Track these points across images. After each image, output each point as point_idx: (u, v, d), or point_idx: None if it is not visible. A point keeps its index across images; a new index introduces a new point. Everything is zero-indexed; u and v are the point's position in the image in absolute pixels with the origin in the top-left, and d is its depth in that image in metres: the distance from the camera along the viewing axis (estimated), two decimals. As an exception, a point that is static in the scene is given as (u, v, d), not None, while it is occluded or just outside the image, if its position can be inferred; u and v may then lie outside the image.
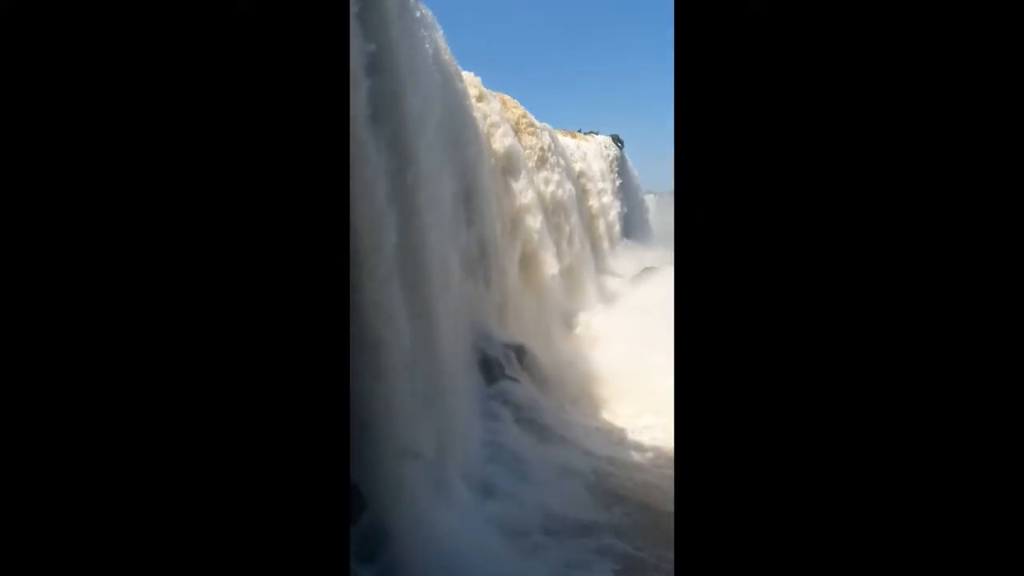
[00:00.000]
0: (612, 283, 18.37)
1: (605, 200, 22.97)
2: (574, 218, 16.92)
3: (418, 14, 8.18)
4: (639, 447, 9.20)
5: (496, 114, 12.87)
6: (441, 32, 9.73)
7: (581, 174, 21.36)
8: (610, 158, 26.78)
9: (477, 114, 11.78)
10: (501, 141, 12.76)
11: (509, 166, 12.96)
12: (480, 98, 12.42)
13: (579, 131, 26.32)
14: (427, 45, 8.27)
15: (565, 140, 21.07)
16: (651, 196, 35.19)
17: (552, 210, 15.52)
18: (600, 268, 19.30)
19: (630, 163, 30.60)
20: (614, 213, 23.76)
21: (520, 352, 11.06)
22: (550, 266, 13.78)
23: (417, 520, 5.87)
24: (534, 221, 13.34)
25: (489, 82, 13.15)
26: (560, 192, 16.31)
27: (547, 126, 17.81)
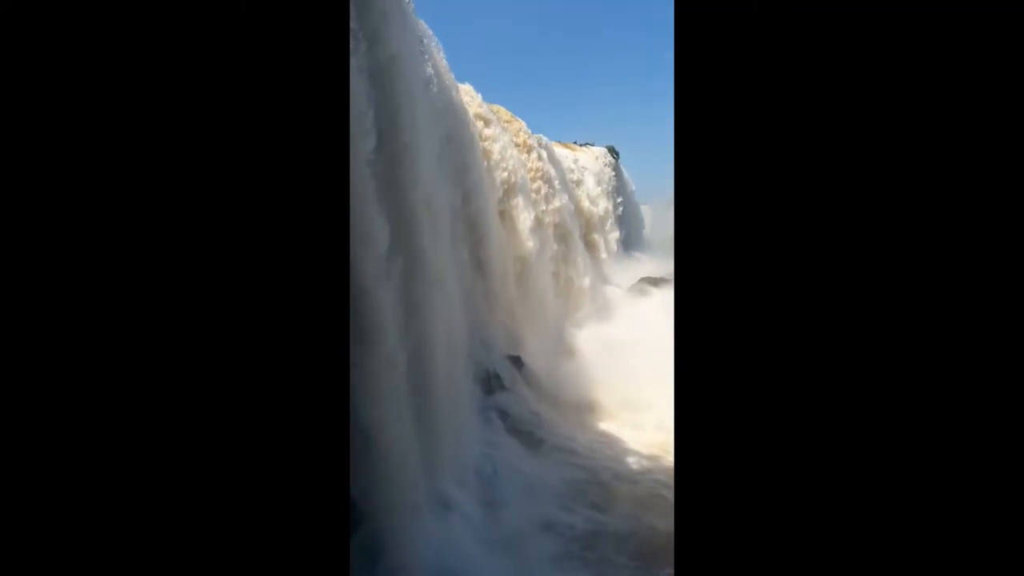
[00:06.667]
0: (610, 294, 18.38)
1: (602, 211, 23.02)
2: (571, 229, 16.95)
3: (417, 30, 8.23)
4: (638, 458, 9.17)
5: (493, 126, 12.91)
6: (438, 44, 9.79)
7: (578, 185, 21.43)
8: (606, 169, 26.87)
9: (475, 127, 11.83)
10: (498, 153, 12.80)
11: (506, 179, 13.00)
12: (477, 111, 12.47)
13: (575, 142, 26.44)
14: (426, 58, 8.32)
15: (561, 151, 21.16)
16: (647, 206, 35.23)
17: (549, 221, 15.55)
18: (597, 279, 19.31)
19: (626, 174, 30.71)
20: (611, 224, 23.81)
21: (518, 364, 11.04)
22: (547, 278, 13.78)
23: (413, 533, 5.83)
24: (531, 232, 13.37)
25: (484, 94, 13.22)
26: (557, 203, 16.35)
27: (543, 137, 17.89)
